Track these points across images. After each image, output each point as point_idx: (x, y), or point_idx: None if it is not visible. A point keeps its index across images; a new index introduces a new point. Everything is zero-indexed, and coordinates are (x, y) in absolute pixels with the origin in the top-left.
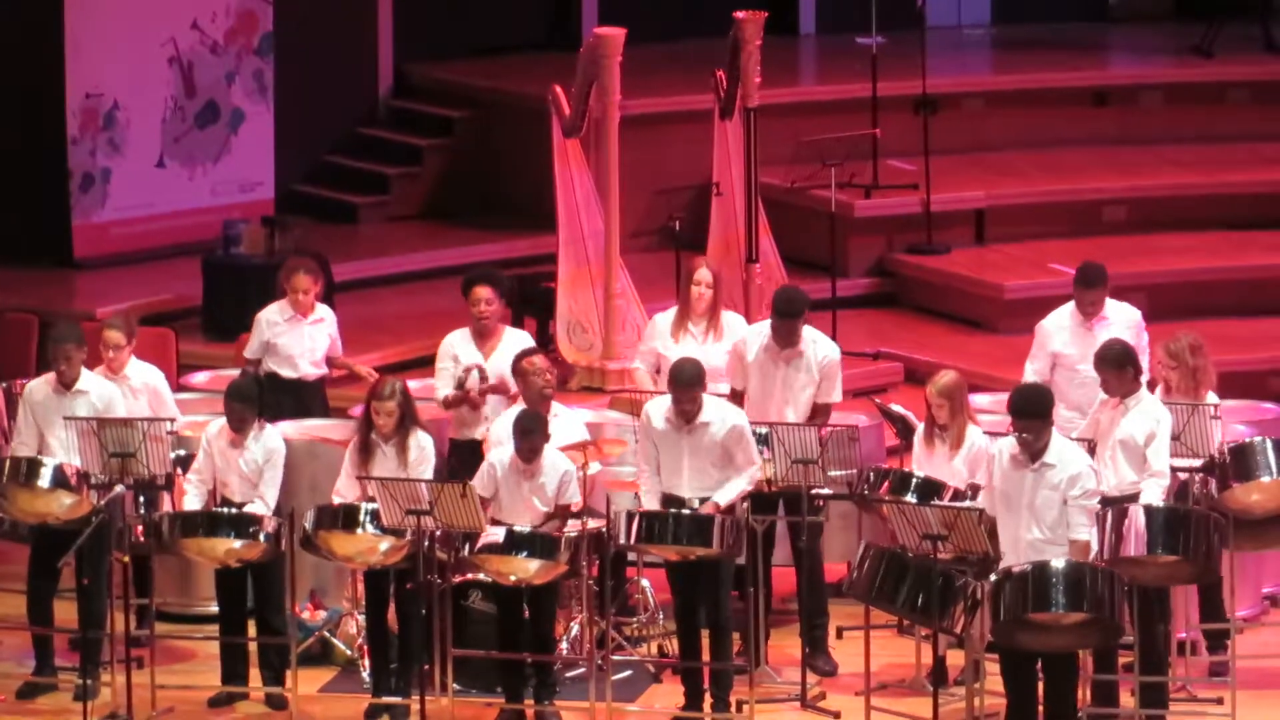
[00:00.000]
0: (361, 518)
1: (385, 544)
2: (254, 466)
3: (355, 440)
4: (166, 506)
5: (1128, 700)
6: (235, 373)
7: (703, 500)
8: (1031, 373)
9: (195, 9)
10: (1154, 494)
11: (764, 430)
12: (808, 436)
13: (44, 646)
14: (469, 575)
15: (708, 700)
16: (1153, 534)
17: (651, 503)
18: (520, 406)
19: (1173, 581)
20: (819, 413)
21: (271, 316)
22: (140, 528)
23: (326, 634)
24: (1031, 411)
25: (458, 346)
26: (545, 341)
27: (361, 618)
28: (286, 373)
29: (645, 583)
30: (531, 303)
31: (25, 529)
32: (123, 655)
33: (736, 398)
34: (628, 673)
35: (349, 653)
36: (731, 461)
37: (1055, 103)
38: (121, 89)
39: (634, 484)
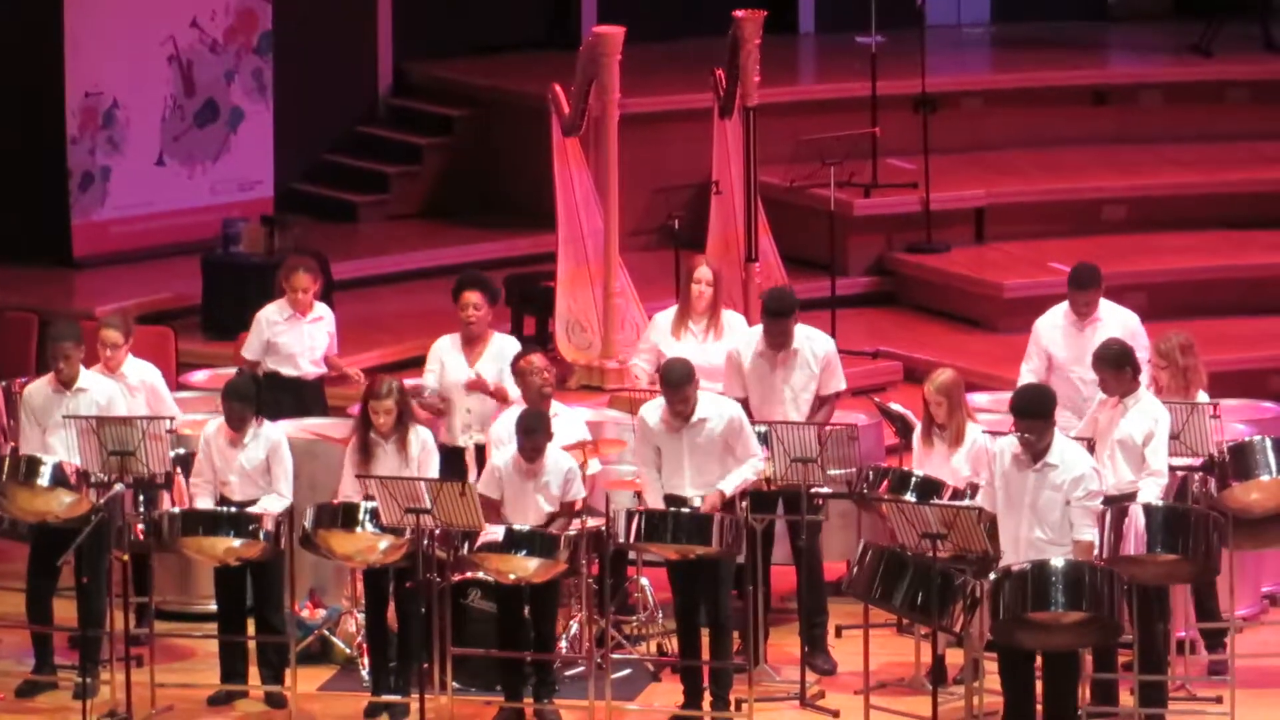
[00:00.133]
0: (361, 516)
1: (384, 542)
2: (255, 464)
3: (354, 441)
4: (166, 505)
5: (1127, 699)
6: (234, 371)
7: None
8: (1027, 373)
9: (194, 8)
10: (1152, 493)
11: (763, 429)
12: (807, 435)
13: (43, 645)
14: (468, 574)
15: (707, 699)
16: (1152, 533)
17: (655, 504)
18: (518, 407)
19: (1172, 580)
20: (825, 404)
21: (271, 315)
22: (140, 526)
23: (326, 632)
24: (1034, 412)
25: (445, 352)
26: (544, 340)
27: (361, 616)
28: (287, 371)
29: (645, 581)
30: (531, 301)
31: (25, 527)
32: (122, 654)
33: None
34: (627, 671)
35: (348, 651)
36: (732, 455)
37: (1055, 102)
38: (121, 88)
39: (633, 483)
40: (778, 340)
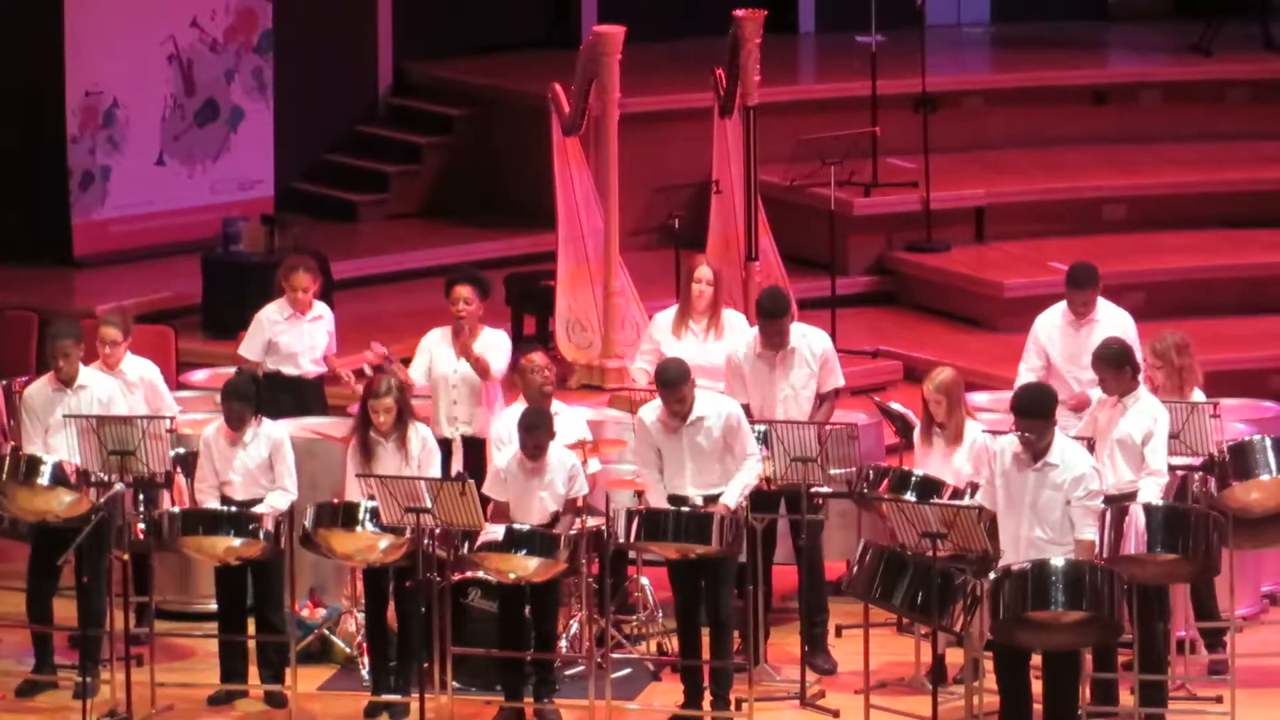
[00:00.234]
0: (361, 515)
1: (385, 542)
2: (258, 463)
3: (354, 440)
4: (166, 504)
5: (1127, 699)
6: (234, 371)
7: (708, 499)
8: (1026, 371)
9: (195, 7)
10: (1152, 492)
11: (763, 429)
12: (807, 435)
13: (44, 644)
14: (468, 573)
15: (707, 698)
16: (1152, 532)
17: (659, 505)
18: (519, 406)
19: (1172, 580)
20: (824, 402)
21: (272, 315)
22: (140, 526)
23: (326, 632)
24: (1035, 411)
25: (434, 345)
26: (545, 339)
27: (361, 616)
28: (288, 370)
29: (645, 581)
30: (531, 301)
31: (25, 527)
32: (122, 653)
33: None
34: (627, 671)
35: (348, 651)
36: (731, 453)
37: (1055, 101)
38: (121, 87)
39: (634, 482)
40: (774, 340)
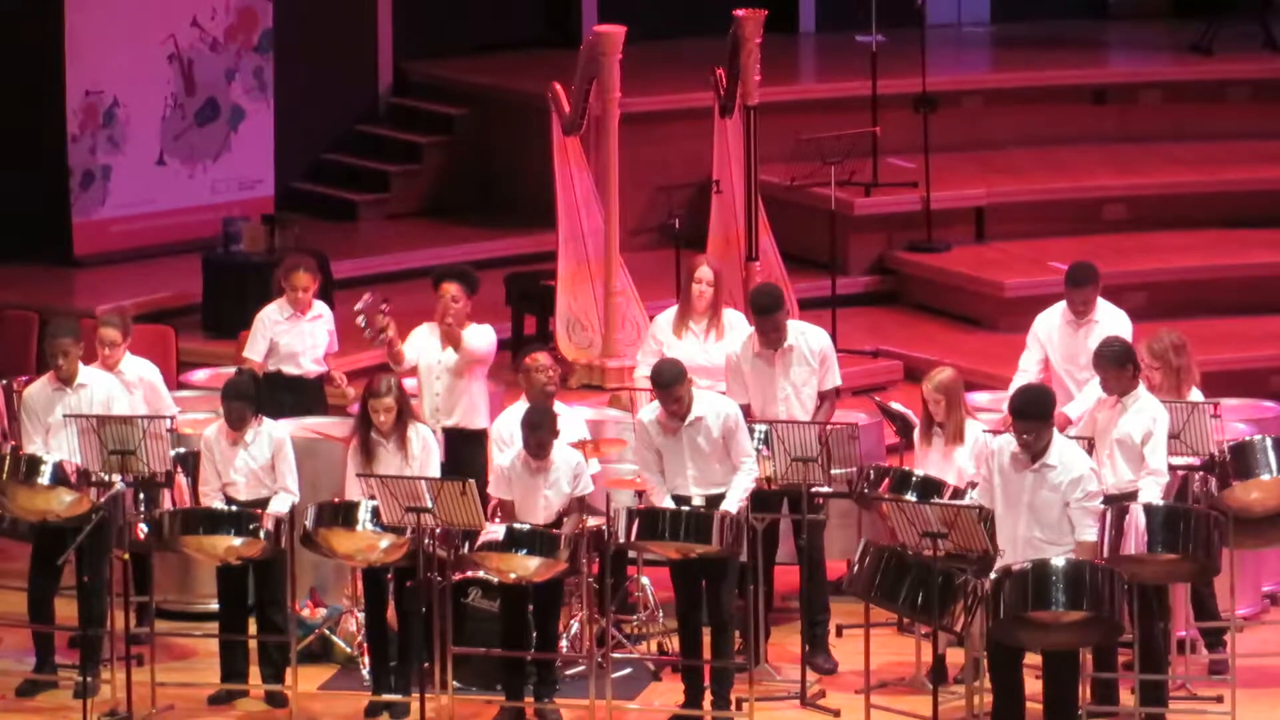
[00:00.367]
0: (361, 515)
1: (385, 541)
2: (261, 462)
3: (355, 441)
4: (167, 504)
5: (1127, 698)
6: (234, 371)
7: (709, 500)
8: (1023, 370)
9: (195, 6)
10: (1152, 492)
11: (764, 428)
12: (807, 434)
13: (44, 644)
14: (469, 573)
15: (708, 698)
16: (1152, 532)
17: (664, 504)
18: (521, 405)
19: (1173, 579)
20: (825, 401)
21: (272, 315)
22: (140, 525)
23: (326, 631)
24: (1032, 413)
25: (422, 339)
26: (545, 339)
27: (361, 615)
28: (290, 370)
29: (645, 580)
30: (531, 300)
31: (25, 526)
32: (122, 653)
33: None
34: (628, 670)
35: (349, 650)
36: (729, 453)
37: (1055, 100)
38: (121, 86)
39: (634, 482)
40: (771, 337)
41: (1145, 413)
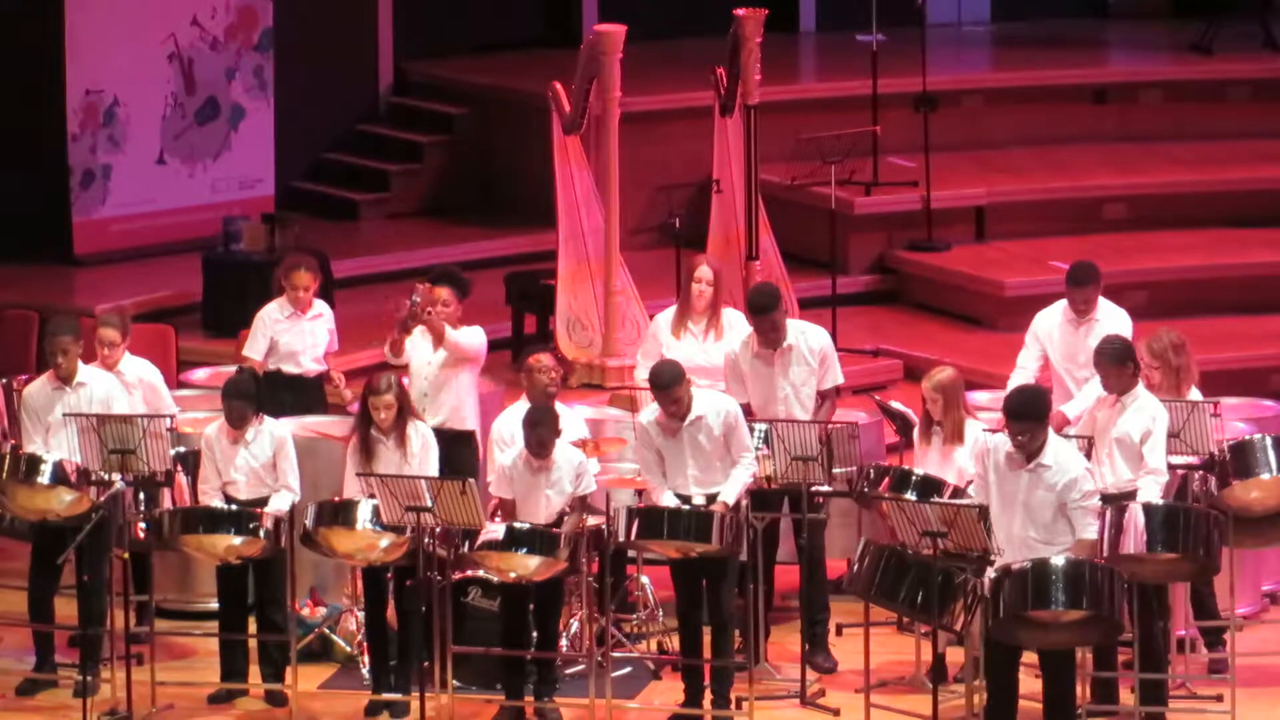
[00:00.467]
0: (361, 514)
1: (385, 540)
2: (262, 461)
3: (354, 439)
4: (167, 503)
5: (1128, 698)
6: (235, 370)
7: (709, 499)
8: (1022, 368)
9: (195, 5)
10: (1152, 491)
11: (764, 428)
12: (808, 433)
13: (44, 643)
14: (468, 572)
15: (708, 697)
16: (1152, 531)
17: (668, 504)
18: (522, 405)
19: (1173, 578)
20: (825, 400)
21: (273, 314)
22: (140, 524)
23: (326, 631)
24: (1027, 414)
25: (413, 339)
26: (545, 338)
27: (361, 614)
28: (289, 369)
29: (645, 579)
30: (531, 299)
31: (25, 526)
32: (122, 652)
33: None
34: (627, 669)
35: (349, 649)
36: (729, 449)
37: (1055, 100)
38: (122, 86)
39: (634, 481)
40: (769, 337)
41: (1144, 412)
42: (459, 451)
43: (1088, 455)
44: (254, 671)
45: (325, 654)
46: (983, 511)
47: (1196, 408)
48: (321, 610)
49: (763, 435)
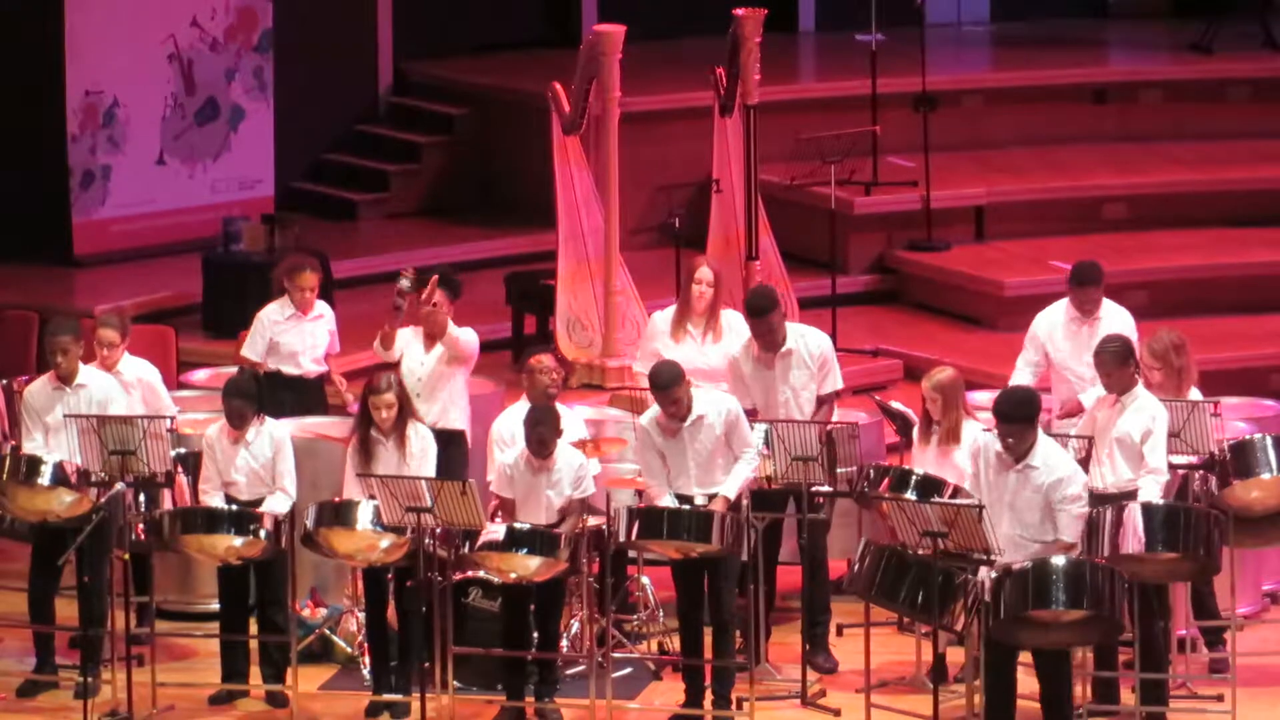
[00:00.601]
0: (362, 515)
1: (386, 541)
2: (263, 461)
3: (354, 440)
4: (167, 504)
5: (1128, 697)
6: (235, 370)
7: (711, 498)
8: (1022, 368)
9: (195, 6)
10: (1152, 491)
11: (764, 428)
12: (808, 434)
13: (45, 644)
14: (468, 572)
15: (708, 697)
16: (1152, 531)
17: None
18: (522, 405)
19: (1173, 578)
20: (824, 405)
21: (273, 315)
22: (140, 525)
23: (327, 631)
24: (1016, 415)
25: (406, 342)
26: (545, 338)
27: (362, 615)
28: (289, 369)
29: (645, 580)
30: (531, 300)
31: (25, 527)
32: (123, 653)
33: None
34: (628, 670)
35: (349, 650)
36: (730, 449)
37: (1055, 100)
38: (121, 86)
39: (634, 481)
40: (767, 339)
41: (1144, 411)
42: (449, 451)
43: (1088, 455)
44: (255, 672)
45: (326, 655)
46: (983, 512)
47: (1196, 407)
48: (322, 611)
49: (763, 436)
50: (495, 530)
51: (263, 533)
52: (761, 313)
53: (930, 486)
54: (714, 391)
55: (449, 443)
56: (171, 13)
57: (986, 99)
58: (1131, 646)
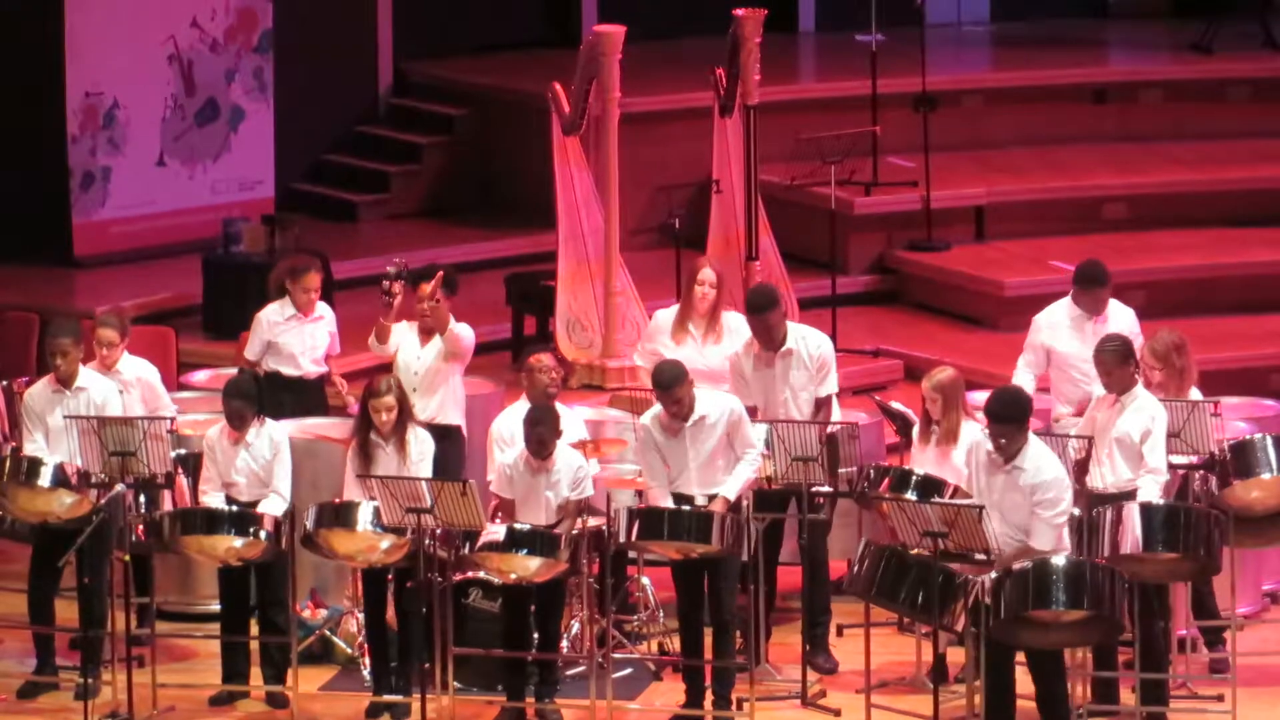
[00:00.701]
0: (362, 516)
1: (386, 542)
2: (261, 462)
3: (354, 442)
4: (167, 505)
5: (1128, 697)
6: (235, 371)
7: (711, 497)
8: (1023, 368)
9: (195, 7)
10: (1151, 491)
11: (764, 428)
12: (808, 434)
13: (45, 646)
14: (469, 573)
15: (709, 698)
16: (1152, 531)
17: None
18: (522, 405)
19: (1173, 578)
20: (822, 406)
21: (272, 316)
22: (141, 526)
23: (327, 632)
24: (1007, 416)
25: (402, 336)
26: (545, 339)
27: (362, 616)
28: (289, 371)
29: (645, 580)
30: (531, 300)
31: (26, 528)
32: (123, 654)
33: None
34: (628, 670)
35: (350, 651)
36: (733, 448)
37: (1055, 100)
38: (121, 87)
39: (635, 482)
40: (766, 338)
41: (1144, 411)
42: (445, 446)
43: (1088, 455)
44: (255, 673)
45: (326, 656)
46: (983, 512)
47: (1197, 407)
48: (322, 612)
49: (763, 436)
50: (495, 531)
51: (263, 534)
52: (760, 310)
53: (930, 487)
54: (718, 392)
55: (445, 437)
56: (171, 13)
57: (986, 99)
58: (1131, 646)
